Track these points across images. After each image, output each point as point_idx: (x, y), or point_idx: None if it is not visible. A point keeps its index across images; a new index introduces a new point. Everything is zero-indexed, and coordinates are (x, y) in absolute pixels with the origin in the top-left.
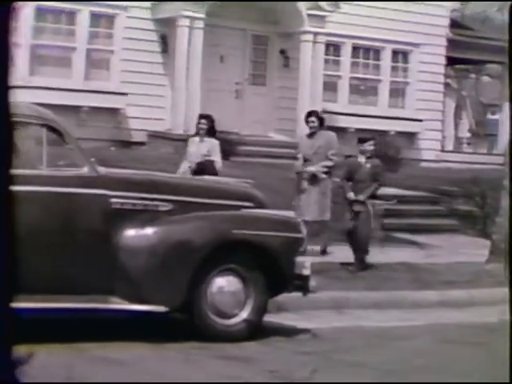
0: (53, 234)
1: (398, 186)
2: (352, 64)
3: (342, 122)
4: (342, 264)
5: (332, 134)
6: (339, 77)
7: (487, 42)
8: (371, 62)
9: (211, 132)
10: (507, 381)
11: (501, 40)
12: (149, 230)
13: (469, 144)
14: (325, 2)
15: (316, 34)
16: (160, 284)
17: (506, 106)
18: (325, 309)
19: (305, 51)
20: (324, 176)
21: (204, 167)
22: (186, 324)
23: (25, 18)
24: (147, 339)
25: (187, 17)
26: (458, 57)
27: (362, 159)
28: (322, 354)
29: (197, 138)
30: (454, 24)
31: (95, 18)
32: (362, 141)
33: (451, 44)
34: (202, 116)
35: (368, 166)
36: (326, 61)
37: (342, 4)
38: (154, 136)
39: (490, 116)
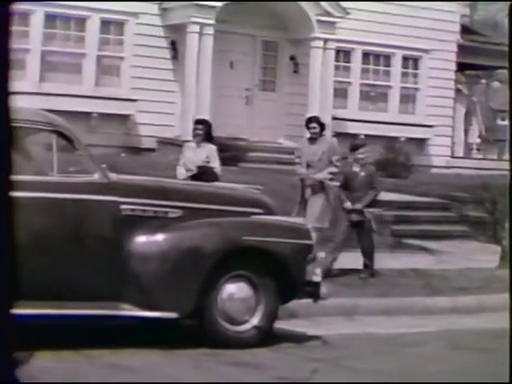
0: (63, 240)
1: (409, 193)
2: (362, 70)
3: (352, 128)
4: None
5: (333, 140)
6: (349, 83)
7: (497, 47)
8: (381, 68)
9: (208, 137)
10: None
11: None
12: (159, 237)
13: (479, 150)
14: (334, 9)
15: (326, 40)
16: (170, 290)
17: None
18: (335, 315)
19: (315, 57)
20: (331, 183)
21: (204, 173)
22: (196, 330)
23: (35, 25)
24: (158, 346)
25: (197, 23)
26: (469, 62)
27: (356, 168)
28: (332, 360)
29: (193, 144)
30: (464, 30)
31: (105, 24)
32: (353, 148)
33: (461, 50)
34: (198, 121)
35: (363, 174)
36: (336, 67)
37: (351, 10)
38: (164, 142)
39: (500, 122)
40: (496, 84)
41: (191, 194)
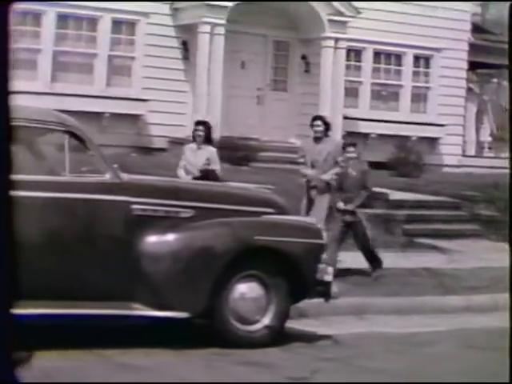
0: (75, 240)
1: (420, 192)
2: (373, 69)
3: (364, 127)
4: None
5: (338, 140)
6: (360, 82)
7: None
8: (393, 67)
9: (208, 139)
10: None
11: None
12: (170, 237)
13: (490, 148)
14: (345, 8)
15: (337, 39)
16: (182, 290)
17: None
18: (346, 315)
19: (326, 57)
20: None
21: (207, 176)
22: (207, 330)
23: (47, 25)
24: (169, 345)
25: (208, 23)
26: (480, 61)
27: (348, 167)
28: (343, 360)
29: (194, 145)
30: (476, 28)
31: (116, 24)
32: (343, 147)
33: (473, 48)
34: (198, 122)
35: (354, 173)
36: (348, 66)
37: (362, 9)
38: (175, 142)
39: None
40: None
41: (202, 194)
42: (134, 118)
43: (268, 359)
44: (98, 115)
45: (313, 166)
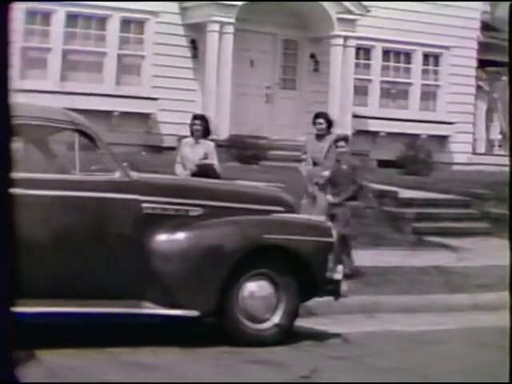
0: (85, 238)
1: (430, 190)
2: (382, 67)
3: (373, 125)
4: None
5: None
6: (370, 80)
7: None
8: (402, 65)
9: (206, 133)
10: None
11: None
12: (180, 235)
13: (500, 146)
14: (354, 6)
15: (346, 37)
16: (192, 289)
17: None
18: (355, 313)
19: (335, 55)
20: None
21: (205, 171)
22: (217, 328)
23: (56, 24)
24: (179, 344)
25: (217, 22)
26: (489, 59)
27: (339, 162)
28: (353, 358)
29: (191, 140)
30: (485, 26)
31: (126, 23)
32: (334, 142)
33: (482, 46)
34: (196, 116)
35: (344, 167)
36: (357, 65)
37: (371, 7)
38: None
39: None
40: None
41: (212, 193)
42: (144, 116)
43: (277, 358)
44: (107, 114)
45: (314, 163)
